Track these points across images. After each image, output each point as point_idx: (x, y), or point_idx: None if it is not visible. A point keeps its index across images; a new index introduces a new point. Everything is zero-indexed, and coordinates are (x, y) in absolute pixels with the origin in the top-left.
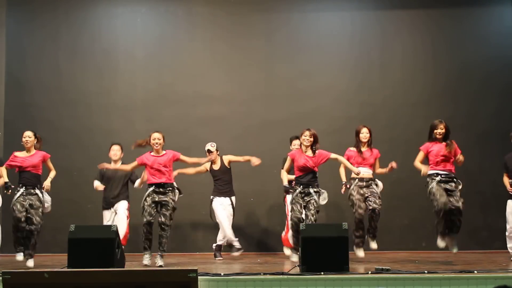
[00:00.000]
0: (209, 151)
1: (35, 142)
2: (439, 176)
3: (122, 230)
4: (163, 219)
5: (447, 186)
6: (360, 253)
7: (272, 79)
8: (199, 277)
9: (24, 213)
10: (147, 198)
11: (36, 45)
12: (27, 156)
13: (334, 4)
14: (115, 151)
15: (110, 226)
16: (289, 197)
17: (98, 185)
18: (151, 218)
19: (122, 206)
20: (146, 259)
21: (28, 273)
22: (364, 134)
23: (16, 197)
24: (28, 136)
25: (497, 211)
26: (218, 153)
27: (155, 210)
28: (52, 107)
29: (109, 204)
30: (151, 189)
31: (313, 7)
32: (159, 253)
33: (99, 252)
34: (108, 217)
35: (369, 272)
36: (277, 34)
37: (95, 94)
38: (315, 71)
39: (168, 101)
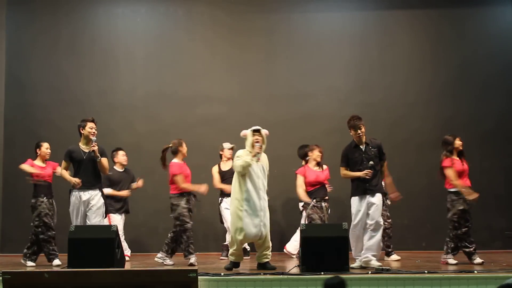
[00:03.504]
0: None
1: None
2: None
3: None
4: None
5: None
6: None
7: (272, 79)
8: (199, 277)
9: None
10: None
11: (36, 45)
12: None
13: (334, 4)
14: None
15: (110, 226)
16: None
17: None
18: None
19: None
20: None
21: (28, 273)
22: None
23: None
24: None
25: (497, 211)
26: (231, 153)
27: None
28: (52, 107)
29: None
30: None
31: (313, 7)
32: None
33: (99, 252)
34: (117, 221)
35: (369, 272)
36: (277, 34)
37: (95, 94)
38: (315, 71)
39: (168, 101)
